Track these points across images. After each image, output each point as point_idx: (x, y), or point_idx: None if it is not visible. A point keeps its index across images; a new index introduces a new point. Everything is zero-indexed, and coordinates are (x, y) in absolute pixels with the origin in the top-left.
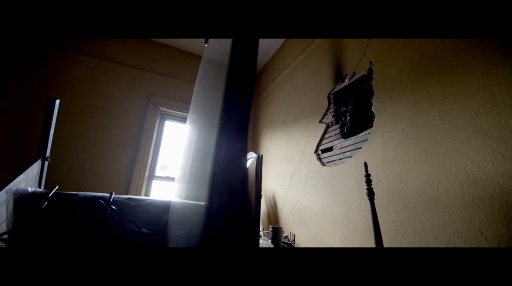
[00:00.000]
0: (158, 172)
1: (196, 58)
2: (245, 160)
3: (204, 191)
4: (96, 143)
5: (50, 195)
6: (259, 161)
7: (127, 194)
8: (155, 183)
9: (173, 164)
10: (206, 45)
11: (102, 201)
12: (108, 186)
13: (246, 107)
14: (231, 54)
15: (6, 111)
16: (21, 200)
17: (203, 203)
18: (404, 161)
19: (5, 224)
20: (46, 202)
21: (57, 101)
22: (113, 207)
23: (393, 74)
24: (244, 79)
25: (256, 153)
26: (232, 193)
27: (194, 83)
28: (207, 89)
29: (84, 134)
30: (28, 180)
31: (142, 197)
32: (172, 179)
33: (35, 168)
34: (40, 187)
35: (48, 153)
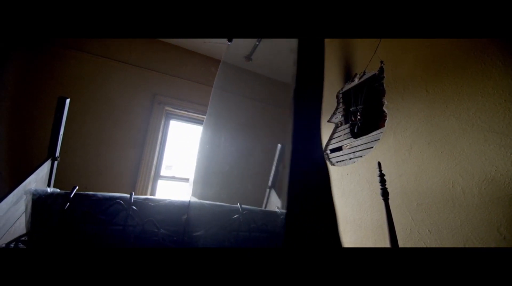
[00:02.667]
0: (163, 172)
1: (201, 57)
2: (325, 162)
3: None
4: (101, 143)
5: (72, 196)
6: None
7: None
8: (160, 183)
9: (179, 164)
10: (229, 43)
11: (122, 202)
12: (114, 186)
13: (318, 108)
14: (298, 55)
15: (8, 111)
16: (41, 201)
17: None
18: (418, 160)
19: (17, 224)
20: (69, 203)
21: (68, 100)
22: (134, 208)
23: (405, 73)
24: (314, 80)
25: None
26: (316, 196)
27: (200, 83)
28: (238, 97)
29: (89, 134)
30: (38, 180)
31: (159, 197)
32: (178, 179)
33: (45, 168)
34: (49, 187)
35: (57, 153)
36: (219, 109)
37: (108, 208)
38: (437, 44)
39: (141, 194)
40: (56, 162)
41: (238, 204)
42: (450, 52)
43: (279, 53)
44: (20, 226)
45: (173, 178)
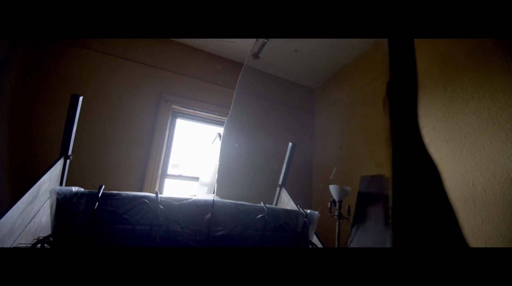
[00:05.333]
0: (170, 170)
1: (207, 55)
2: (430, 158)
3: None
4: (107, 141)
5: (100, 195)
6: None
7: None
8: (167, 182)
9: (186, 163)
10: (263, 40)
11: (147, 201)
12: (122, 185)
13: (413, 107)
14: (390, 55)
15: (11, 109)
16: (65, 200)
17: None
18: (436, 159)
19: (32, 223)
20: (97, 203)
21: (81, 98)
22: (162, 207)
23: (421, 72)
24: (407, 80)
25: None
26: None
27: (206, 81)
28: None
29: (95, 132)
30: (51, 179)
31: (183, 196)
32: (185, 177)
33: (58, 166)
34: (61, 186)
35: (70, 151)
36: (240, 111)
37: (134, 208)
38: (455, 42)
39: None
40: (68, 161)
41: (262, 203)
42: (469, 50)
43: (297, 55)
44: (34, 226)
45: (180, 176)
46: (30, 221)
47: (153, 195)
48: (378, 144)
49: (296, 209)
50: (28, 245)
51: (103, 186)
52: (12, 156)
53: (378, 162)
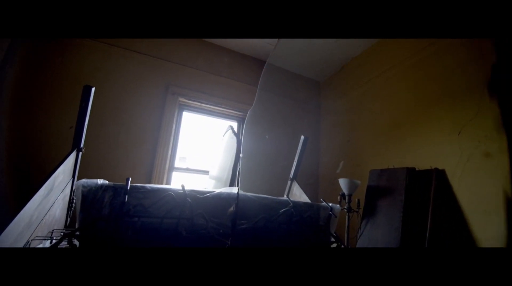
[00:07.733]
0: (177, 163)
1: (214, 47)
2: None
3: None
4: (115, 135)
5: (128, 188)
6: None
7: None
8: (174, 175)
9: (192, 156)
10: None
11: (173, 194)
12: (130, 178)
13: None
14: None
15: (12, 104)
16: (91, 193)
17: None
18: None
19: (47, 216)
20: (127, 196)
21: (93, 89)
22: (189, 200)
23: None
24: None
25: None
26: None
27: (213, 73)
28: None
29: (103, 126)
30: (65, 172)
31: (206, 189)
32: (192, 170)
33: (71, 159)
34: (74, 178)
35: (82, 144)
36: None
37: (160, 201)
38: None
39: None
40: (80, 153)
41: (285, 196)
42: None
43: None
44: (49, 219)
45: (187, 169)
46: (46, 214)
47: (176, 188)
48: (486, 132)
49: (309, 202)
50: (47, 239)
51: (130, 179)
52: (13, 150)
53: (486, 151)
